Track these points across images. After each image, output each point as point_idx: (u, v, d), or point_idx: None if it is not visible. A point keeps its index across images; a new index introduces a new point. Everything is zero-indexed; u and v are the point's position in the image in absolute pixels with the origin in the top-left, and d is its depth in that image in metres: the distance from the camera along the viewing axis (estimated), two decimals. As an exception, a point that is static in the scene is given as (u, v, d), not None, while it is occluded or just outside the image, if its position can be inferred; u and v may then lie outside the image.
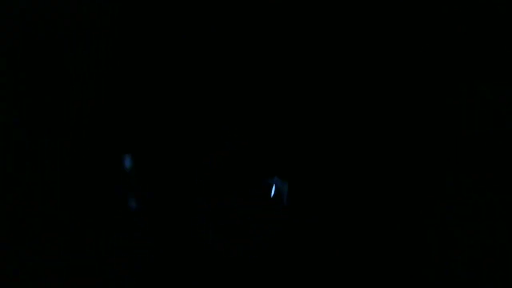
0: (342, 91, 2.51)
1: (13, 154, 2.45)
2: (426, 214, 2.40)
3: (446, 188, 2.41)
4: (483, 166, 2.42)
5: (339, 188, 2.45)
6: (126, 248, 2.41)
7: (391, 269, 2.38)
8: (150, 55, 2.53)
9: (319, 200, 2.45)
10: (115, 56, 2.53)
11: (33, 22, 2.51)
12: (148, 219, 2.44)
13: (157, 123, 2.50)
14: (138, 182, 2.46)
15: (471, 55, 2.49)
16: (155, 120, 2.50)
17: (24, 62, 2.50)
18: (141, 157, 2.48)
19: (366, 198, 2.44)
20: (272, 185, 2.42)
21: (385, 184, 2.44)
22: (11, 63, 2.49)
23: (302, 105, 2.51)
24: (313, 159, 2.48)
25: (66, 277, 2.37)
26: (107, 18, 2.53)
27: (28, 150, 2.46)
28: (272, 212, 2.43)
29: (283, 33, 2.53)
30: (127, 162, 2.44)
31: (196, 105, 2.52)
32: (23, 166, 2.45)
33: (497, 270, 2.34)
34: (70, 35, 2.52)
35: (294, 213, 2.44)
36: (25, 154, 2.46)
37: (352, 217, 2.43)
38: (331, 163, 2.47)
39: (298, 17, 2.54)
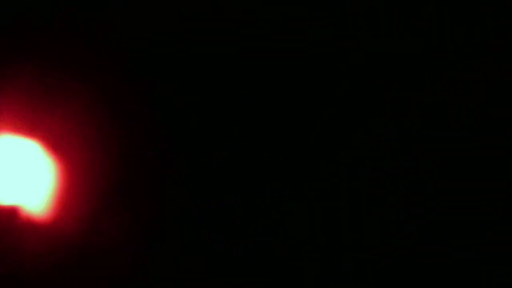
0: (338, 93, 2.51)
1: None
2: None
3: None
4: None
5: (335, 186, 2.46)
6: (127, 248, 2.41)
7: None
8: (151, 55, 2.53)
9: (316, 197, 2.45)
10: (114, 56, 2.53)
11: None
12: (149, 218, 2.44)
13: (158, 123, 2.50)
14: (140, 183, 2.46)
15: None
16: (156, 121, 2.50)
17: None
18: (141, 157, 2.48)
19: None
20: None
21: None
22: None
23: (300, 106, 2.51)
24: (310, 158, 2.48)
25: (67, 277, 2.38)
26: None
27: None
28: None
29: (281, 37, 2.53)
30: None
31: (196, 105, 2.51)
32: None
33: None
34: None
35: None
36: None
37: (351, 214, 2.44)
38: (327, 162, 2.47)
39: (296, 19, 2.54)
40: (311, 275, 2.40)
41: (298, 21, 2.53)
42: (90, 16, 2.52)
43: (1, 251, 2.36)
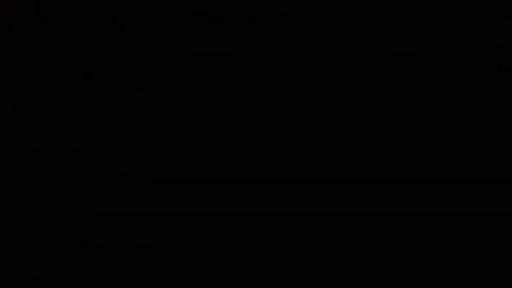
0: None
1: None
2: None
3: None
4: None
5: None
6: (126, 248, 2.40)
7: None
8: (151, 55, 2.53)
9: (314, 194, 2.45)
10: (113, 56, 2.53)
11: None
12: (147, 217, 2.43)
13: (156, 123, 2.50)
14: (139, 182, 2.46)
15: None
16: (155, 121, 2.50)
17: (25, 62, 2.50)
18: (141, 158, 2.48)
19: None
20: None
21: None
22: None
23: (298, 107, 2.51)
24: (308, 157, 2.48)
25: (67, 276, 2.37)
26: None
27: (26, 150, 2.46)
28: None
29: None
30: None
31: (196, 105, 2.51)
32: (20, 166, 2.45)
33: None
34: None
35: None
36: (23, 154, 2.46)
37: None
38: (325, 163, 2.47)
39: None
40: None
41: (298, 21, 2.53)
42: (90, 16, 2.52)
43: None
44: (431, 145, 2.47)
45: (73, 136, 2.47)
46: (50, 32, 2.52)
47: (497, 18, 2.50)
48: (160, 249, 2.41)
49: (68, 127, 2.48)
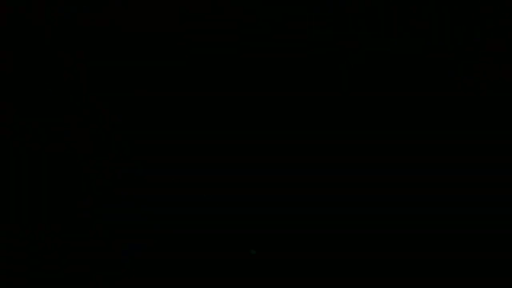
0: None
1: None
2: None
3: None
4: None
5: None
6: (126, 248, 2.41)
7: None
8: (151, 55, 2.54)
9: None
10: (113, 56, 2.53)
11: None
12: (147, 217, 2.44)
13: (156, 123, 2.50)
14: (139, 182, 2.46)
15: None
16: (155, 122, 2.51)
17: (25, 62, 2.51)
18: (141, 158, 2.48)
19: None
20: None
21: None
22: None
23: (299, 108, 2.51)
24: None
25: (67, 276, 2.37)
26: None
27: (26, 151, 2.46)
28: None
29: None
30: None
31: (195, 106, 2.52)
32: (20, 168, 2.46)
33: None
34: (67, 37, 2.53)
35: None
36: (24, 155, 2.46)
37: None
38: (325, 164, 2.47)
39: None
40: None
41: (298, 21, 2.53)
42: (90, 16, 2.53)
43: None
44: (431, 145, 2.47)
45: (73, 136, 2.47)
46: (50, 32, 2.52)
47: (497, 18, 2.50)
48: (160, 249, 2.41)
49: (68, 127, 2.48)
